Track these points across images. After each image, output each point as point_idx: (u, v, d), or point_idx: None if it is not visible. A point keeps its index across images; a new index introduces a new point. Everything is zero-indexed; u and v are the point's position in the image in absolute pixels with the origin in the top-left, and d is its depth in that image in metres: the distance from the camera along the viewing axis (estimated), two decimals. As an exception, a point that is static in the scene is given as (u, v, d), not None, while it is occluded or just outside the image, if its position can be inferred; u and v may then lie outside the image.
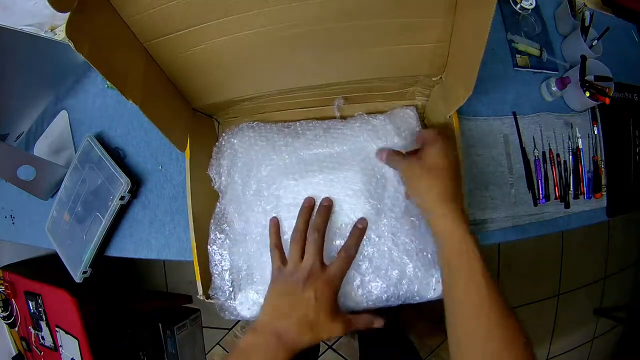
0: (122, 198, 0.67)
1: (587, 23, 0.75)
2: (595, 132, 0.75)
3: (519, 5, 0.76)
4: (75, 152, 0.77)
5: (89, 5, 0.36)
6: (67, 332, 1.02)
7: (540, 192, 0.71)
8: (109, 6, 0.40)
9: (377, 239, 0.53)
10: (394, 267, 0.52)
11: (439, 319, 1.50)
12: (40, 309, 1.08)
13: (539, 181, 0.71)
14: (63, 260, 0.75)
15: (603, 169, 0.74)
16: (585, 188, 0.72)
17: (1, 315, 1.17)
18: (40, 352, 1.12)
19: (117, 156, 0.74)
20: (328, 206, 0.52)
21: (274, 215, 0.54)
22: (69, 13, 0.34)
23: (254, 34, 0.46)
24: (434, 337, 1.50)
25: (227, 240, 0.57)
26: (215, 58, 0.50)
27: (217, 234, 0.57)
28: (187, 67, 0.51)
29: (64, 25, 0.34)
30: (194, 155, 0.59)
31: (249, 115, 0.68)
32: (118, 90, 0.41)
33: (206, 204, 0.62)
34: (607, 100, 0.69)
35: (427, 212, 0.46)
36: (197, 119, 0.63)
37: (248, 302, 0.54)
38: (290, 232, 0.52)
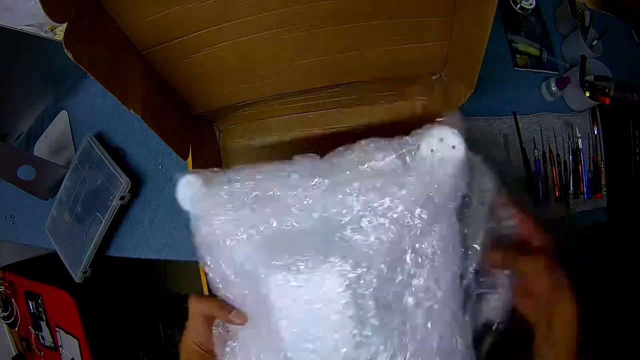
0: (122, 198, 0.67)
1: (587, 23, 0.75)
2: (595, 132, 0.75)
3: (519, 5, 0.76)
4: (75, 152, 0.77)
5: (86, 15, 0.36)
6: (67, 332, 1.02)
7: (540, 192, 0.71)
8: (107, 16, 0.40)
9: None
10: None
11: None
12: (40, 309, 1.08)
13: (539, 181, 0.71)
14: (63, 260, 0.75)
15: (603, 169, 0.74)
16: (585, 188, 0.72)
17: (1, 315, 1.17)
18: (40, 352, 1.12)
19: (117, 156, 0.74)
20: None
21: None
22: (66, 24, 0.33)
23: (253, 39, 0.46)
24: None
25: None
26: (216, 64, 0.50)
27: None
28: (188, 74, 0.51)
29: (63, 32, 0.34)
30: (196, 162, 0.59)
31: (249, 122, 0.68)
32: (119, 101, 0.41)
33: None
34: (607, 100, 0.69)
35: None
36: (198, 127, 0.63)
37: None
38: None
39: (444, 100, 0.56)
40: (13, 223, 0.87)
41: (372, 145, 0.32)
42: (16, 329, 1.18)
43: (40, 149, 0.86)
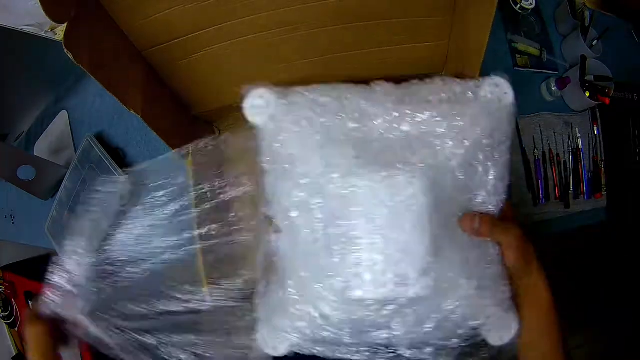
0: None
1: (587, 23, 0.75)
2: (595, 132, 0.75)
3: (519, 5, 0.76)
4: (75, 152, 0.77)
5: (86, 16, 0.36)
6: (67, 332, 1.02)
7: (540, 192, 0.71)
8: (107, 16, 0.40)
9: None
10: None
11: None
12: (40, 309, 1.08)
13: (539, 181, 0.71)
14: (63, 260, 0.75)
15: (603, 169, 0.74)
16: (585, 188, 0.72)
17: (1, 315, 1.17)
18: (40, 352, 1.12)
19: (117, 156, 0.74)
20: None
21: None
22: (66, 24, 0.33)
23: (253, 39, 0.46)
24: None
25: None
26: (215, 64, 0.50)
27: None
28: (187, 74, 0.51)
29: (63, 32, 0.34)
30: (196, 163, 0.59)
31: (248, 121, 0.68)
32: (119, 101, 0.41)
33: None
34: (607, 100, 0.69)
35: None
36: (198, 127, 0.63)
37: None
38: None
39: (444, 100, 0.56)
40: (13, 223, 0.87)
41: (441, 80, 0.38)
42: (16, 329, 1.18)
43: (40, 149, 0.86)
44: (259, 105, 0.40)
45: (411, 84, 0.38)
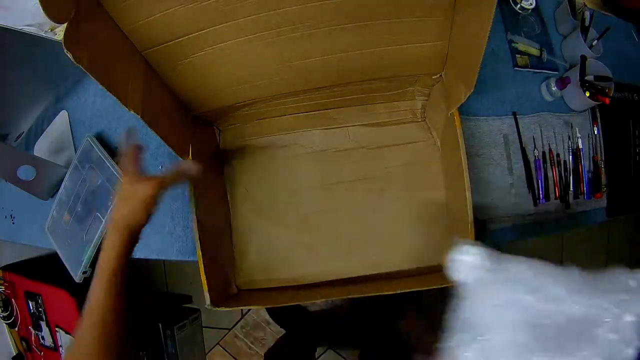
0: (122, 198, 0.67)
1: (587, 23, 0.75)
2: (595, 132, 0.75)
3: (519, 5, 0.76)
4: (75, 152, 0.77)
5: (86, 16, 0.36)
6: (67, 332, 1.02)
7: (540, 192, 0.71)
8: (107, 16, 0.40)
9: None
10: None
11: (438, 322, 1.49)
12: (40, 309, 1.08)
13: (539, 181, 0.71)
14: (63, 260, 0.75)
15: (603, 169, 0.74)
16: (585, 188, 0.72)
17: (1, 315, 1.17)
18: (40, 352, 1.12)
19: (117, 156, 0.74)
20: None
21: None
22: (66, 24, 0.34)
23: (253, 39, 0.46)
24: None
25: None
26: (215, 64, 0.50)
27: None
28: (187, 75, 0.51)
29: (63, 32, 0.34)
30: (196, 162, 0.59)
31: (249, 122, 0.68)
32: (119, 101, 0.41)
33: (210, 211, 0.62)
34: (607, 100, 0.69)
35: None
36: (198, 127, 0.63)
37: None
38: None
39: (444, 100, 0.56)
40: (13, 223, 0.87)
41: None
42: (16, 329, 1.18)
43: (40, 149, 0.86)
44: (470, 262, 0.38)
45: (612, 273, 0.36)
